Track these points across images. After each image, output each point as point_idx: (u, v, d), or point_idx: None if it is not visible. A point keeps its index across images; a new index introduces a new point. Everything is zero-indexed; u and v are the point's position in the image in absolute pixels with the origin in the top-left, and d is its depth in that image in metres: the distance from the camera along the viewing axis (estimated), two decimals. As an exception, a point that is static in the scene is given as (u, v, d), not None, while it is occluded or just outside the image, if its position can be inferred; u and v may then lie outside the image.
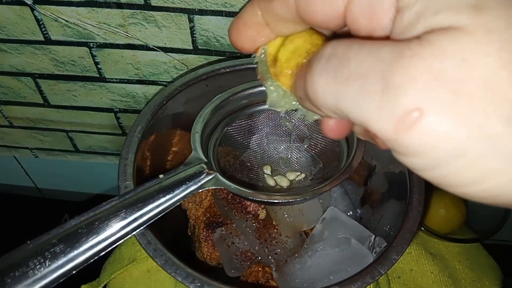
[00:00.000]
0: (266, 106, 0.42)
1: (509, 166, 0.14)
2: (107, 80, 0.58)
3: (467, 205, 0.56)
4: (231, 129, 0.42)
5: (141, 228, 0.30)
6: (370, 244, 0.43)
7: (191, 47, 0.52)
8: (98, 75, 0.58)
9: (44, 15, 0.50)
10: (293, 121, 0.44)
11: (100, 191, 0.85)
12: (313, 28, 0.22)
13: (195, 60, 0.54)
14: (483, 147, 0.13)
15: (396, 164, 0.44)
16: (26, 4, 0.49)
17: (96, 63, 0.56)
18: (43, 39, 0.53)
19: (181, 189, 0.32)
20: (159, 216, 0.30)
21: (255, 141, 0.46)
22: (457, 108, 0.13)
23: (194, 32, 0.50)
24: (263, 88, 0.37)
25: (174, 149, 0.49)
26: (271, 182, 0.44)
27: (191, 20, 0.49)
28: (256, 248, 0.45)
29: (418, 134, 0.14)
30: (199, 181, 0.33)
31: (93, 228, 0.28)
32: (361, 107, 0.15)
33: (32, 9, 0.50)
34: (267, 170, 0.45)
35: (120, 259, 0.50)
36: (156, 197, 0.31)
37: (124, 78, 0.58)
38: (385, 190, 0.47)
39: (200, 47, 0.52)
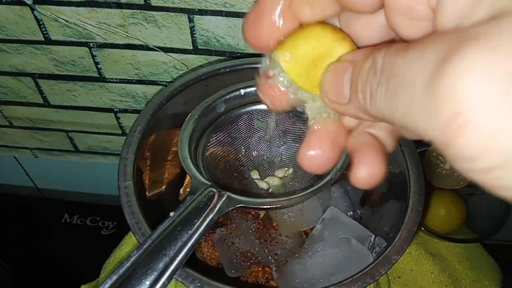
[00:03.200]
0: (237, 112, 0.42)
1: None
2: (107, 80, 0.58)
3: (467, 205, 0.56)
4: (211, 146, 0.42)
5: (174, 274, 0.27)
6: (370, 244, 0.43)
7: (191, 47, 0.52)
8: (98, 75, 0.58)
9: (44, 15, 0.50)
10: (266, 121, 0.44)
11: (100, 191, 0.85)
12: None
13: (195, 60, 0.54)
14: None
15: (396, 164, 0.44)
16: (26, 4, 0.49)
17: (96, 63, 0.56)
18: (43, 39, 0.53)
19: (200, 220, 0.29)
20: (188, 255, 0.28)
21: (234, 151, 0.45)
22: (508, 105, 0.12)
23: (194, 32, 0.50)
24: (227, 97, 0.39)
25: (174, 149, 0.49)
26: (263, 185, 0.44)
27: (191, 20, 0.49)
28: (256, 248, 0.45)
29: (467, 139, 0.12)
30: (215, 206, 0.31)
31: None
32: (412, 118, 0.14)
33: (32, 9, 0.50)
34: (255, 175, 0.45)
35: (120, 259, 0.50)
36: (178, 237, 0.28)
37: (124, 78, 0.58)
38: (385, 190, 0.47)
39: (200, 47, 0.52)
